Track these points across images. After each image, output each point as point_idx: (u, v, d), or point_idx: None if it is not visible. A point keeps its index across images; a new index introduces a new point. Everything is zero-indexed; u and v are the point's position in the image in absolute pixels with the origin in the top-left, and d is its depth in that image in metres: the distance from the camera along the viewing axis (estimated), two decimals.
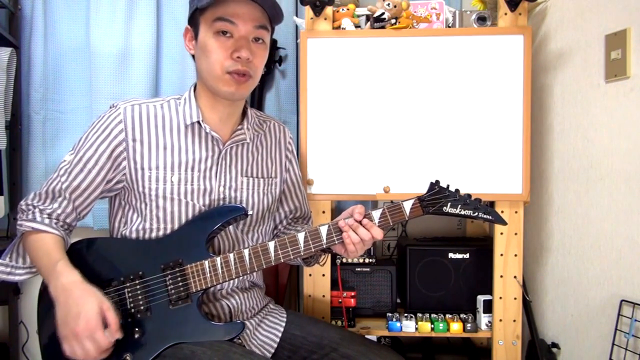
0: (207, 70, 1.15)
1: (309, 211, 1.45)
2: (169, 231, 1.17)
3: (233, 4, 1.11)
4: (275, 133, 1.36)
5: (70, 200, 1.16)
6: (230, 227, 1.23)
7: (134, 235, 1.18)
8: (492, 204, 1.58)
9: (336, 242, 1.13)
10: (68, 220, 1.17)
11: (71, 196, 1.15)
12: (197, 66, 1.20)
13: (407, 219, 1.13)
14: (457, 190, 1.13)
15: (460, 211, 1.11)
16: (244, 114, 1.28)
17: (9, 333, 1.88)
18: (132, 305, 1.12)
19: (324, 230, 1.13)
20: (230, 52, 1.12)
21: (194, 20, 1.16)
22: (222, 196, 1.21)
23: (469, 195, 1.13)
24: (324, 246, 1.13)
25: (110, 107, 1.19)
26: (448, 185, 1.14)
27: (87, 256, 1.15)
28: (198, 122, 1.19)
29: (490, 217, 1.12)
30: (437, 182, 1.13)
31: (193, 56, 1.21)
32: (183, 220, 1.17)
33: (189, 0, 1.18)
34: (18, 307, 1.91)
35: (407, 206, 1.12)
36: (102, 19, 1.77)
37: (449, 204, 1.11)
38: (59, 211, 1.15)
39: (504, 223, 1.19)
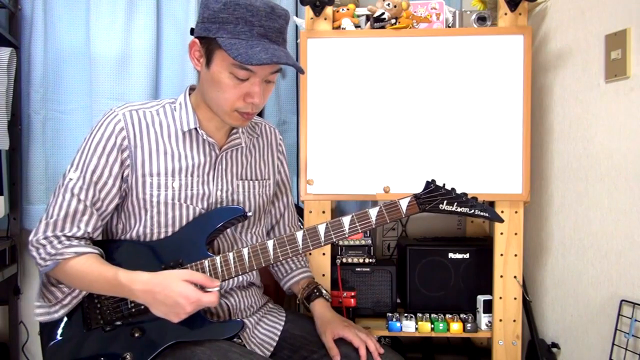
0: (215, 101, 1.13)
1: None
2: (169, 234, 1.18)
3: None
4: (267, 135, 1.37)
5: (97, 213, 1.14)
6: (228, 229, 1.23)
7: (134, 240, 1.18)
8: (492, 203, 1.58)
9: (334, 240, 1.14)
10: (95, 235, 1.16)
11: (95, 207, 1.14)
12: (202, 84, 1.16)
13: (403, 216, 1.14)
14: (453, 189, 1.14)
15: (456, 208, 1.12)
16: None
17: (9, 333, 1.88)
18: (132, 304, 1.12)
19: (322, 229, 1.14)
20: (243, 94, 1.10)
21: (207, 44, 1.09)
22: (219, 200, 1.22)
23: (465, 194, 1.14)
24: (322, 244, 1.14)
25: (107, 115, 1.16)
26: (444, 184, 1.14)
27: None
28: (195, 128, 1.19)
29: (487, 214, 1.13)
30: (433, 180, 1.15)
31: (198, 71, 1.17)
32: (184, 223, 1.18)
33: (204, 16, 1.08)
34: (18, 307, 1.91)
35: (404, 204, 1.13)
36: (102, 19, 1.77)
37: (445, 202, 1.13)
38: (89, 229, 1.13)
39: (500, 220, 1.19)
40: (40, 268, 1.11)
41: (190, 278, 1.05)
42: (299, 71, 1.10)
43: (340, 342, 1.21)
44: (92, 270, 1.09)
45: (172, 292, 1.03)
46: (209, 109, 1.18)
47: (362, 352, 1.18)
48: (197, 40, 1.12)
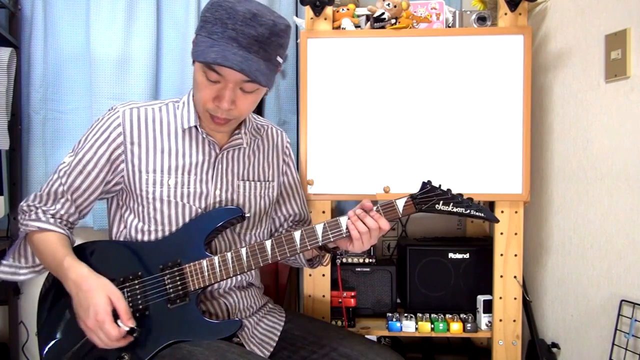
0: (194, 98, 1.17)
1: (308, 216, 1.45)
2: (167, 233, 1.18)
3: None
4: (272, 137, 1.36)
5: (72, 200, 1.17)
6: (227, 229, 1.23)
7: (133, 238, 1.19)
8: (492, 204, 1.59)
9: (332, 240, 1.14)
10: (71, 220, 1.20)
11: (72, 197, 1.17)
12: None
13: (400, 216, 1.15)
14: (449, 190, 1.15)
15: (452, 209, 1.13)
16: None
17: (9, 333, 1.88)
18: (130, 305, 1.12)
19: (319, 228, 1.14)
20: (212, 97, 1.09)
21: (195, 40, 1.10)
22: (218, 199, 1.22)
23: (461, 194, 1.15)
24: (320, 244, 1.14)
25: (109, 110, 1.20)
26: (440, 185, 1.15)
27: (86, 259, 1.15)
28: (195, 126, 1.19)
29: (482, 215, 1.14)
30: (429, 181, 1.15)
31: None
32: (180, 222, 1.18)
33: (202, 11, 1.10)
34: (18, 307, 1.91)
35: (400, 204, 1.14)
36: (102, 19, 1.77)
37: (441, 202, 1.13)
38: (62, 212, 1.17)
39: (495, 220, 1.20)
40: (19, 231, 1.17)
41: (114, 300, 1.04)
42: (256, 82, 1.05)
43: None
44: (48, 247, 1.13)
45: (91, 299, 1.04)
46: None
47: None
48: (194, 37, 1.13)
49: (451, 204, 1.14)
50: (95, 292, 1.04)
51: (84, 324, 1.05)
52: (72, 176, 1.16)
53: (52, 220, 1.15)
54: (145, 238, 1.18)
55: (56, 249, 1.12)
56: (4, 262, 1.18)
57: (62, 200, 1.17)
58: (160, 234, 1.18)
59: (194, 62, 1.11)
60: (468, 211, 1.13)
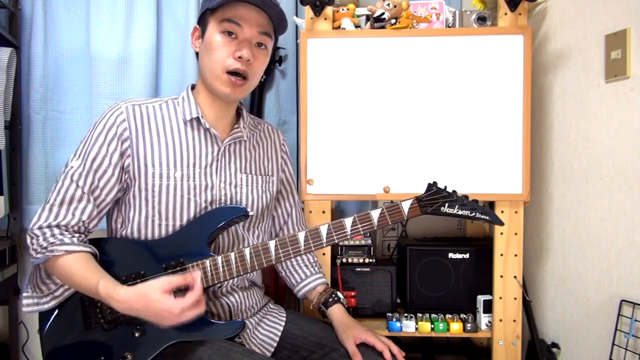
0: (209, 67, 1.17)
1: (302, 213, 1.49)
2: (170, 228, 1.18)
3: (242, 8, 1.15)
4: (270, 134, 1.39)
5: (94, 201, 1.14)
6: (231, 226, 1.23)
7: (135, 234, 1.18)
8: (492, 204, 1.59)
9: (335, 241, 1.14)
10: (91, 226, 1.16)
11: (93, 196, 1.14)
12: (199, 64, 1.23)
13: (405, 218, 1.14)
14: (454, 192, 1.14)
15: (457, 211, 1.13)
16: (238, 114, 1.31)
17: (9, 333, 1.88)
18: None
19: (323, 230, 1.14)
20: (232, 51, 1.15)
21: (203, 20, 1.20)
22: (222, 192, 1.22)
23: (466, 197, 1.14)
24: (324, 246, 1.14)
25: (110, 108, 1.19)
26: (445, 187, 1.15)
27: None
28: (197, 118, 1.20)
29: (488, 218, 1.13)
30: (435, 183, 1.15)
31: (197, 54, 1.23)
32: (185, 216, 1.18)
33: (201, 2, 1.22)
34: (18, 307, 1.90)
35: (406, 206, 1.13)
36: (102, 19, 1.77)
37: (446, 204, 1.13)
38: (84, 217, 1.13)
39: (500, 223, 1.20)
40: (31, 259, 1.12)
41: (169, 287, 1.01)
42: (278, 29, 1.22)
43: (362, 347, 1.21)
44: (78, 274, 1.08)
45: (154, 309, 1.01)
46: (208, 90, 1.21)
47: (387, 355, 1.19)
48: (197, 26, 1.22)
49: (457, 206, 1.13)
50: (150, 302, 1.01)
51: (175, 322, 1.01)
52: (90, 176, 1.14)
53: (76, 238, 1.12)
54: (149, 233, 1.18)
55: (85, 276, 1.08)
56: (25, 294, 1.14)
57: (82, 204, 1.13)
58: (163, 230, 1.17)
59: (203, 36, 1.18)
60: (474, 214, 1.13)
